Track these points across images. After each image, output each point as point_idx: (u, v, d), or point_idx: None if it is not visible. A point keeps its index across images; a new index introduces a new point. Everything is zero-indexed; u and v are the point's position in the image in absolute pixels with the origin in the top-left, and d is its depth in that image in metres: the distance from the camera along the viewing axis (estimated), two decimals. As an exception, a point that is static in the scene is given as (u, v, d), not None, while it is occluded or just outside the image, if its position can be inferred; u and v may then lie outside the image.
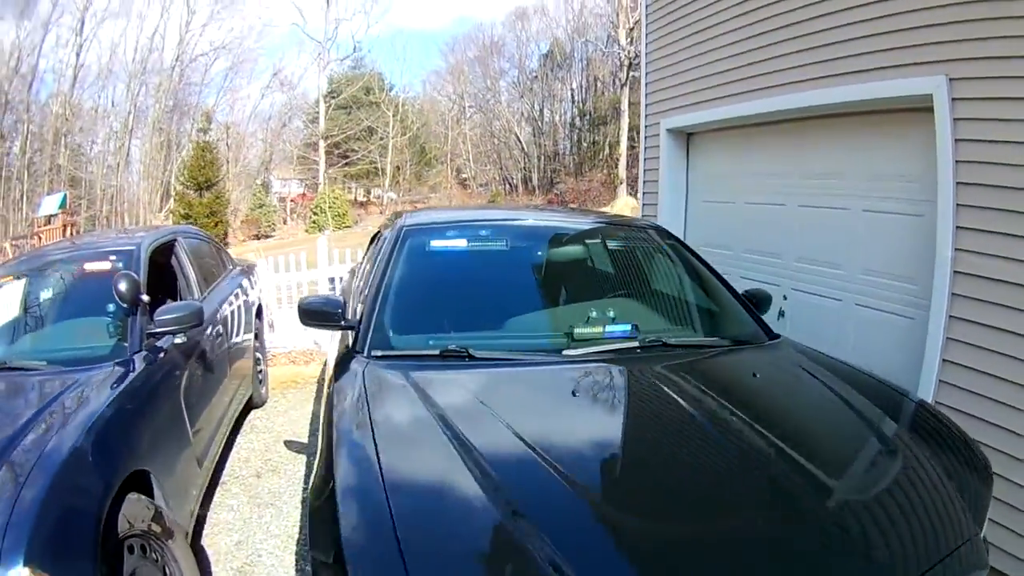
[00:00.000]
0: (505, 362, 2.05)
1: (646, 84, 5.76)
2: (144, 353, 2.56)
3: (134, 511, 1.95)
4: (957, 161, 2.83)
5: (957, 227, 2.82)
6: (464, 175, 37.50)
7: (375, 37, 54.12)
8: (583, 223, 3.19)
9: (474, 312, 2.46)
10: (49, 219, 19.21)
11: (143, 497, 2.05)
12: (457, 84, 37.83)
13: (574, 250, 2.92)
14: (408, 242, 2.61)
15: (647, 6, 5.75)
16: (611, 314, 2.35)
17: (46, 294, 2.97)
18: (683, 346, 2.30)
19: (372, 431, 1.58)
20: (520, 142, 36.18)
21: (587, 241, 2.97)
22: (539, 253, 2.80)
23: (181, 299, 3.44)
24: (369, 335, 2.17)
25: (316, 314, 2.36)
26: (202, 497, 2.90)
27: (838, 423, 1.91)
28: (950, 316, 2.80)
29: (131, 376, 2.38)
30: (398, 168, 33.16)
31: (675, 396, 1.88)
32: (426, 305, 2.48)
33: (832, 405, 1.98)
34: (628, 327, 2.26)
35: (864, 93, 3.28)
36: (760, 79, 4.10)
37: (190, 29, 28.74)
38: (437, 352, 2.06)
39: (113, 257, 3.00)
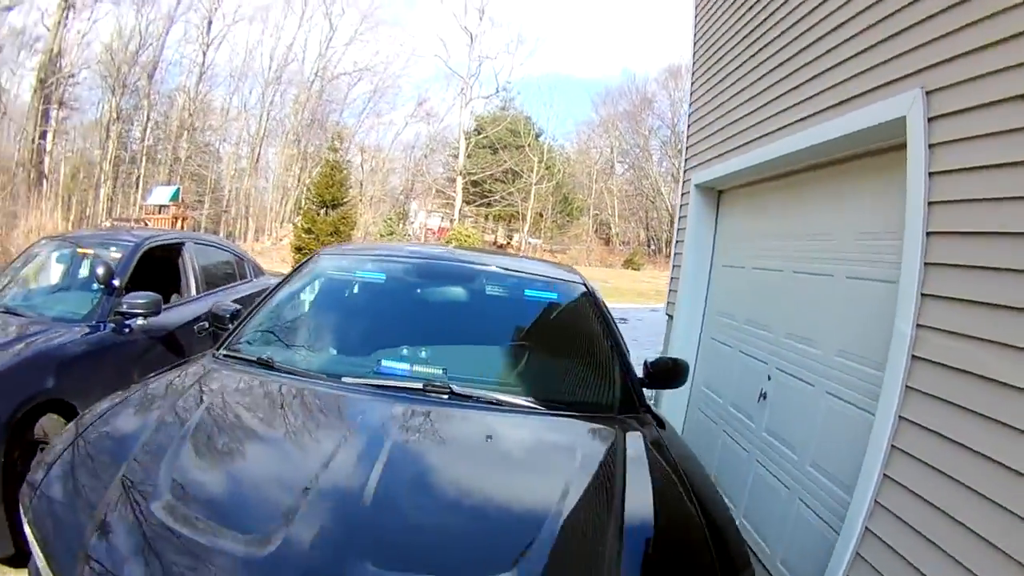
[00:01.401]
0: (287, 376, 2.10)
1: (687, 138, 5.33)
2: (109, 324, 3.25)
3: (50, 426, 2.69)
4: (930, 203, 2.14)
5: (922, 294, 2.11)
6: (609, 230, 37.08)
7: (522, 80, 52.73)
8: (499, 270, 2.93)
9: (319, 333, 2.58)
10: (160, 208, 20.28)
11: (60, 419, 2.72)
12: (607, 137, 37.90)
13: (458, 292, 2.75)
14: (310, 265, 2.85)
15: (693, 54, 5.39)
16: (423, 354, 2.31)
17: (65, 266, 3.84)
18: (471, 397, 2.04)
19: (131, 400, 1.87)
20: (667, 203, 35.25)
21: (482, 287, 2.74)
22: (419, 291, 2.77)
23: (180, 294, 4.14)
24: (228, 336, 2.40)
25: (215, 317, 2.68)
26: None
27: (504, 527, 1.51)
28: (900, 417, 2.07)
29: (87, 336, 3.12)
30: (540, 215, 33.21)
31: (367, 439, 1.72)
32: (288, 321, 2.64)
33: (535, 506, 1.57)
34: (438, 370, 2.17)
35: (838, 129, 2.68)
36: (762, 125, 3.57)
37: (331, 46, 29.12)
38: (255, 359, 2.19)
39: (114, 248, 3.69)
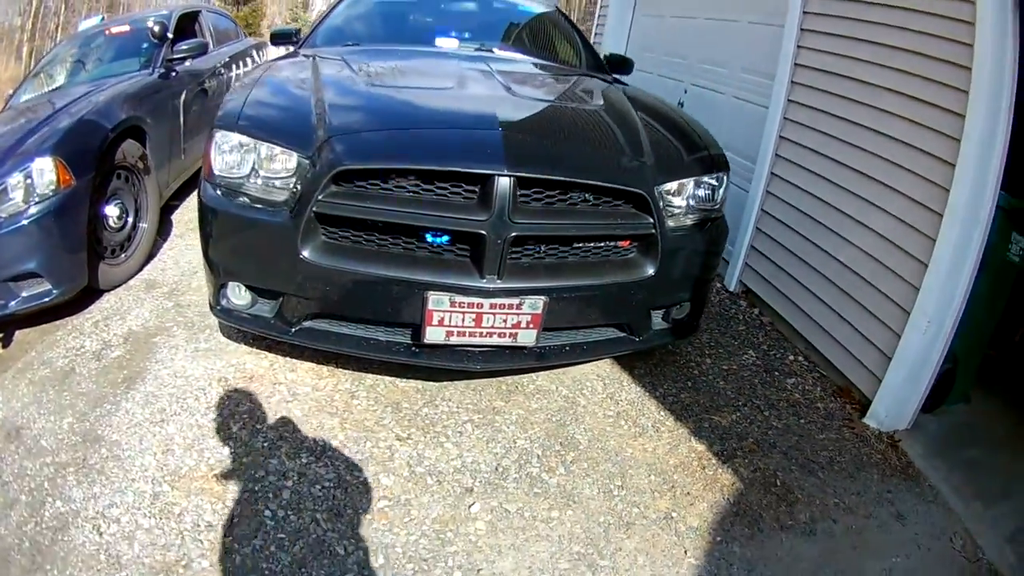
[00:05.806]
0: (387, 50, 3.25)
1: None
2: (162, 70, 3.94)
3: (129, 149, 3.24)
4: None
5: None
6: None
7: None
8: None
9: (377, 31, 3.67)
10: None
11: (137, 144, 3.32)
12: None
13: (472, 6, 3.94)
14: None
15: None
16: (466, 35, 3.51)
17: (101, 48, 4.45)
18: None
19: (320, 75, 2.60)
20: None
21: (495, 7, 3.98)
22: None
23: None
24: (306, 39, 3.45)
25: (281, 35, 3.62)
26: (179, 186, 4.19)
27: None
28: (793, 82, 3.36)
29: (148, 78, 3.79)
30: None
31: (469, 67, 2.89)
32: (345, 29, 3.61)
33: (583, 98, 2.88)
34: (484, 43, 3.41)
35: None
36: None
37: None
38: (346, 45, 3.30)
39: (151, 19, 4.31)
